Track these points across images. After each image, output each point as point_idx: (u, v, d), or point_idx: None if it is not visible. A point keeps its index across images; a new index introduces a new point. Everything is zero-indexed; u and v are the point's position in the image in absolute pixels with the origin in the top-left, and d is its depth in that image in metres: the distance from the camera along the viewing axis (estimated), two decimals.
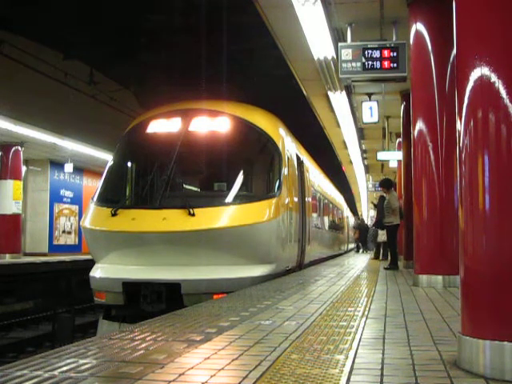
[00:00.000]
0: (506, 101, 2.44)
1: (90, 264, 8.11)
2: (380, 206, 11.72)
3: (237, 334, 3.46)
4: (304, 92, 13.53)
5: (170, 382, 2.35)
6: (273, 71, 17.93)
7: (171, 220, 7.15)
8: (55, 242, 22.23)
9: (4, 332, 11.44)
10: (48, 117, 16.44)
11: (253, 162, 8.75)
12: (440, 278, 6.96)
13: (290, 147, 9.14)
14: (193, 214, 7.14)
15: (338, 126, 16.57)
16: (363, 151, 21.20)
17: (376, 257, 16.27)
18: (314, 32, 9.24)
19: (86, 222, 7.77)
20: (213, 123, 8.21)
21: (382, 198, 11.98)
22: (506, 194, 2.46)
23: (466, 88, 2.59)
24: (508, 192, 2.45)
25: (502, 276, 2.42)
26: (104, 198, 8.06)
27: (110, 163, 8.76)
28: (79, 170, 22.97)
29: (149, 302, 7.10)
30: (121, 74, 20.56)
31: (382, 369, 2.58)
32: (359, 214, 37.98)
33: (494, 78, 2.48)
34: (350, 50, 8.12)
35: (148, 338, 3.31)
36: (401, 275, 9.30)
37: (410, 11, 7.58)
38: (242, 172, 8.11)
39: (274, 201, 7.75)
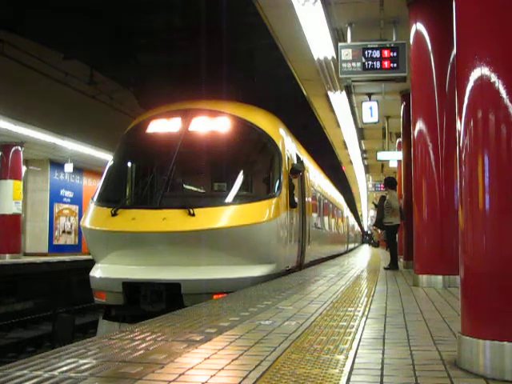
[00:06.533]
0: (506, 101, 2.43)
1: (89, 264, 8.11)
2: (380, 206, 11.73)
3: (237, 334, 3.46)
4: (304, 92, 13.53)
5: (169, 382, 2.35)
6: (273, 71, 17.93)
7: (171, 220, 7.14)
8: (55, 242, 22.24)
9: (4, 332, 11.44)
10: (48, 117, 16.44)
11: (253, 162, 8.74)
12: (440, 277, 6.96)
13: (290, 147, 9.13)
14: (193, 214, 7.13)
15: (338, 126, 16.57)
16: (363, 151, 21.20)
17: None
18: (314, 32, 9.23)
19: (86, 222, 7.76)
20: (213, 123, 8.20)
21: (382, 198, 11.99)
22: (506, 194, 2.45)
23: (466, 88, 2.59)
24: (508, 192, 2.45)
25: (502, 276, 2.42)
26: (104, 197, 8.05)
27: (110, 163, 8.76)
28: (79, 170, 22.97)
29: (149, 301, 7.09)
30: (121, 74, 20.56)
31: (381, 369, 2.57)
32: None
33: (494, 77, 2.48)
34: (349, 50, 8.13)
35: (148, 338, 3.31)
36: (401, 275, 9.30)
37: (410, 11, 7.58)
38: (242, 172, 8.10)
39: (274, 201, 7.74)
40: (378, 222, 11.97)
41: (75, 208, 23.63)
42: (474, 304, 2.56)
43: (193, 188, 9.31)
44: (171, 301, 6.93)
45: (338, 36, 9.58)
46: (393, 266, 10.89)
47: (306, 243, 10.64)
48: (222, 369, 2.57)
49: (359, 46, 8.14)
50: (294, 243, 9.22)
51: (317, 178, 14.33)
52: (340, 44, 8.35)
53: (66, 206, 23.15)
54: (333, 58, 10.20)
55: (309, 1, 7.98)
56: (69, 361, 2.71)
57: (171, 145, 8.00)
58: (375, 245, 40.61)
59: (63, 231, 22.91)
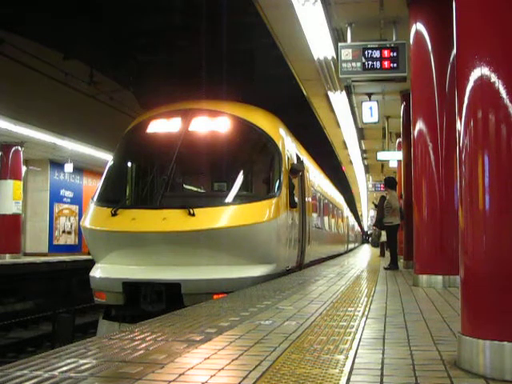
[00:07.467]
0: (506, 101, 2.43)
1: (90, 264, 8.12)
2: (380, 206, 11.73)
3: (237, 334, 3.46)
4: (304, 92, 13.53)
5: (169, 382, 2.35)
6: (273, 71, 17.92)
7: (171, 220, 7.14)
8: (55, 242, 22.24)
9: (4, 332, 11.44)
10: (48, 117, 16.44)
11: (253, 162, 8.74)
12: (440, 277, 6.96)
13: (290, 147, 9.13)
14: (193, 214, 7.13)
15: (338, 126, 16.57)
16: (363, 151, 21.20)
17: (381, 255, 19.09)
18: (314, 32, 9.23)
19: (86, 222, 7.77)
20: (213, 123, 8.21)
21: (382, 198, 12.00)
22: (505, 194, 2.45)
23: (466, 88, 2.59)
24: (508, 192, 2.45)
25: (502, 276, 2.42)
26: (104, 197, 8.05)
27: (110, 163, 8.76)
28: (79, 169, 22.98)
29: (149, 301, 7.10)
30: (121, 74, 20.56)
31: (381, 369, 2.57)
32: None
33: (494, 77, 2.48)
34: (350, 50, 8.13)
35: (148, 338, 3.31)
36: (401, 275, 9.30)
37: (410, 11, 7.58)
38: (242, 172, 8.11)
39: (274, 201, 7.74)
40: (378, 222, 11.98)
41: (75, 208, 23.63)
42: (474, 304, 2.56)
43: (193, 188, 9.31)
44: (171, 301, 6.94)
45: (337, 36, 9.58)
46: (393, 265, 10.89)
47: (306, 243, 10.64)
48: (222, 369, 2.58)
49: (359, 46, 8.14)
50: (293, 243, 9.22)
51: (317, 178, 14.34)
52: (340, 44, 8.36)
53: (66, 205, 23.15)
54: (333, 57, 10.20)
55: (309, 1, 7.98)
56: (69, 361, 2.71)
57: (171, 145, 8.00)
58: (375, 245, 40.62)
59: (63, 231, 22.91)
